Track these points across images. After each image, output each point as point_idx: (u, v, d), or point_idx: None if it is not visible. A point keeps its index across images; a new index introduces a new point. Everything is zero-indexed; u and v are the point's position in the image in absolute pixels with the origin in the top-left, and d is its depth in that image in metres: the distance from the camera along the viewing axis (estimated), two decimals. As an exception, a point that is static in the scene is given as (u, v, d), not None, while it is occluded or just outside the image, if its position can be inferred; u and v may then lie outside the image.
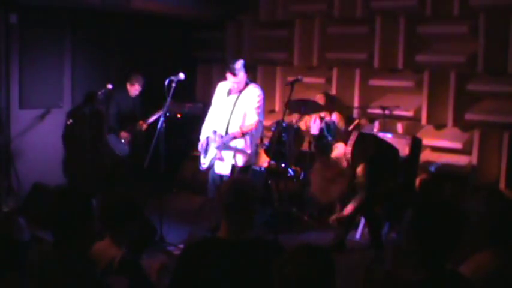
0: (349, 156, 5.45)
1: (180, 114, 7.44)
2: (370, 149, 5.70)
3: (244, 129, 5.63)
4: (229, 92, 5.85)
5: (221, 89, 5.99)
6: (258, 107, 5.72)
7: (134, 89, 7.59)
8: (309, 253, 2.19)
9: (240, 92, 5.76)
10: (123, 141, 7.51)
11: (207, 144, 5.95)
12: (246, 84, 5.79)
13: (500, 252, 2.64)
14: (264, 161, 7.06)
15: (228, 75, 5.70)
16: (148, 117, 7.47)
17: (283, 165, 6.88)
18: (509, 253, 2.67)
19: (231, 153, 5.75)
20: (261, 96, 5.77)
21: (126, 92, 7.60)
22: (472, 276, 2.47)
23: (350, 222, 5.93)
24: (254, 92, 5.75)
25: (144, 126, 7.46)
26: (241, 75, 5.65)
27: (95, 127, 7.63)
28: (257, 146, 6.59)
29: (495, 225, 2.68)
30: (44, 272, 2.68)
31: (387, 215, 6.10)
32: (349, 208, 5.60)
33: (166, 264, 3.09)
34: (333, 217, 5.74)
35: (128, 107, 7.62)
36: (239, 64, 5.63)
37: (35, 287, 2.73)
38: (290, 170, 6.90)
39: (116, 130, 7.53)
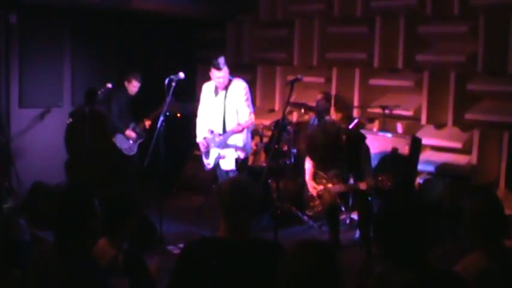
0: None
1: (180, 114, 7.42)
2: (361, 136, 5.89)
3: (244, 125, 5.78)
4: (216, 91, 5.99)
5: (207, 89, 6.13)
6: (247, 99, 5.91)
7: (132, 86, 7.41)
8: (312, 248, 2.19)
9: (226, 88, 5.91)
10: (130, 141, 7.39)
11: (207, 145, 6.04)
12: (230, 81, 5.94)
13: (490, 252, 2.64)
14: (264, 160, 7.07)
15: (213, 71, 5.83)
16: (150, 114, 7.28)
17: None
18: (499, 253, 2.67)
19: (232, 148, 5.94)
20: (247, 88, 5.97)
21: (125, 91, 7.46)
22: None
23: (337, 221, 5.98)
24: (240, 86, 5.92)
25: (148, 123, 7.35)
26: (225, 69, 5.82)
27: (95, 127, 7.63)
28: (257, 146, 6.63)
29: (483, 225, 2.68)
30: (45, 272, 2.68)
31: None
32: (338, 187, 5.59)
33: (162, 263, 3.10)
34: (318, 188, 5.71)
35: (127, 105, 7.48)
36: (221, 60, 5.82)
37: (36, 287, 2.73)
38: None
39: (121, 129, 7.41)
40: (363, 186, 5.36)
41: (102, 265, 2.82)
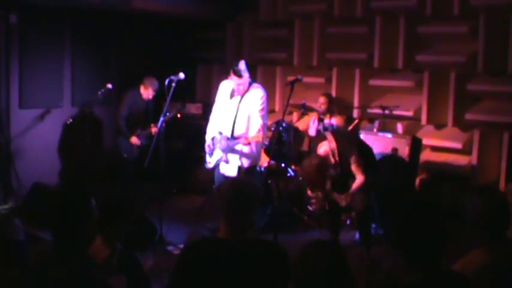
0: (336, 151, 5.44)
1: (180, 115, 7.40)
2: (354, 139, 5.85)
3: (251, 139, 5.56)
4: (232, 94, 5.75)
5: (224, 88, 5.87)
6: (262, 109, 5.65)
7: (147, 93, 7.33)
8: (323, 247, 2.22)
9: (243, 93, 5.67)
10: (133, 147, 7.32)
11: (213, 145, 5.91)
12: (249, 85, 5.70)
13: (493, 250, 2.65)
14: (264, 161, 7.06)
15: (233, 78, 5.57)
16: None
17: (283, 165, 6.91)
18: (502, 250, 2.67)
19: (237, 155, 5.73)
20: (264, 98, 5.69)
21: (139, 94, 7.36)
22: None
23: (338, 221, 5.95)
24: (257, 94, 5.66)
25: (154, 129, 7.06)
26: (246, 76, 5.57)
27: (94, 128, 7.62)
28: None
29: (488, 223, 2.69)
30: (44, 272, 2.68)
31: (379, 213, 6.11)
32: (349, 195, 5.56)
33: (156, 261, 3.10)
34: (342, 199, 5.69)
35: (139, 110, 7.40)
36: (243, 65, 5.55)
37: (35, 287, 2.73)
38: (290, 170, 6.91)
39: (126, 134, 7.31)
40: (343, 202, 5.39)
41: (98, 264, 2.82)
